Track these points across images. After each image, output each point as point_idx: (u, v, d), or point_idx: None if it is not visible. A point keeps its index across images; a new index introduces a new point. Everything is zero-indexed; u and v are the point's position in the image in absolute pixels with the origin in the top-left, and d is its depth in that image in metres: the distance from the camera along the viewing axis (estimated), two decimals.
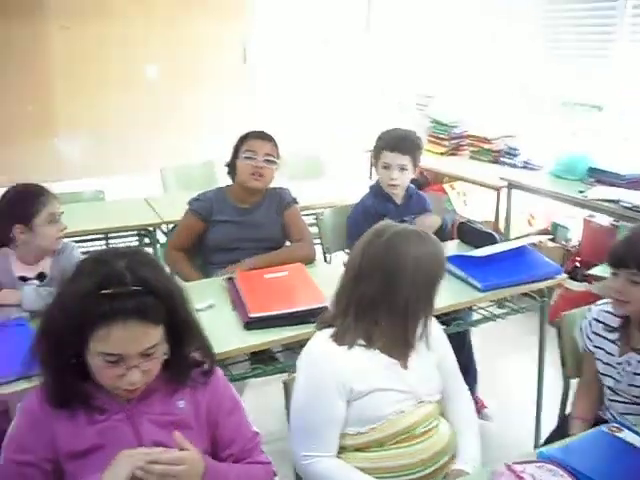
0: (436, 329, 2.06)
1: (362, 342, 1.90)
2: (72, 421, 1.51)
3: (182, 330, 1.54)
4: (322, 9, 6.56)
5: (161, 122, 6.03)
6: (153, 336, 1.47)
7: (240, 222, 3.17)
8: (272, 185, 3.30)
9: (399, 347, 1.94)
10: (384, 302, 1.87)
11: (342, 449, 1.91)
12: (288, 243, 3.29)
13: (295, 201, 3.34)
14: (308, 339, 2.55)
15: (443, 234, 3.26)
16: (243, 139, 3.24)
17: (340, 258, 3.71)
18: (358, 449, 1.90)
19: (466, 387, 2.17)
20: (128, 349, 1.44)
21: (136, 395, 1.54)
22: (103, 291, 1.42)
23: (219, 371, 1.70)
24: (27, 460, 1.48)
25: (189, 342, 1.58)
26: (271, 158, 3.18)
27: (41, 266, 2.73)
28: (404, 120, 6.04)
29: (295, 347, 2.55)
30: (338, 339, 1.90)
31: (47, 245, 2.72)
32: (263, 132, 3.26)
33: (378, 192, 3.32)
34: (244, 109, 6.24)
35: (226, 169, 3.32)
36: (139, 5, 5.84)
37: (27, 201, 2.67)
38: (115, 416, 1.54)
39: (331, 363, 1.87)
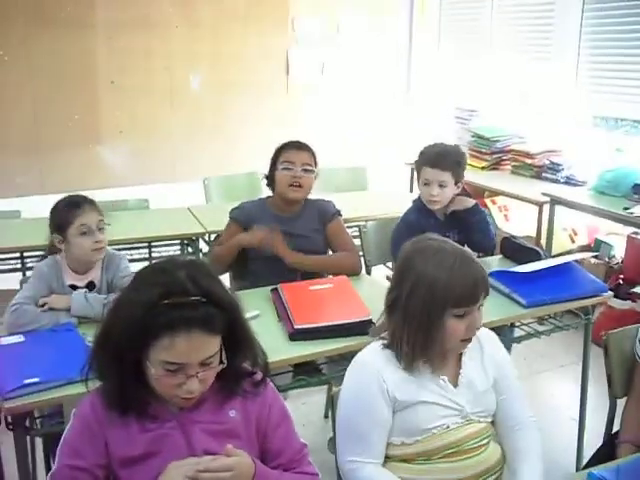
0: (493, 347, 2.04)
1: (409, 353, 1.89)
2: (125, 428, 1.53)
3: (238, 340, 1.57)
4: (363, 21, 6.59)
5: (205, 132, 6.11)
6: (213, 346, 1.50)
7: (282, 231, 3.15)
8: (316, 196, 3.31)
9: (440, 361, 1.93)
10: (409, 316, 1.88)
11: (388, 459, 1.91)
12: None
13: (339, 213, 3.33)
14: (352, 352, 2.57)
15: (477, 223, 3.27)
16: (280, 150, 3.25)
17: (382, 271, 3.73)
18: (404, 460, 1.90)
19: (531, 415, 2.05)
20: (189, 358, 1.47)
21: (190, 404, 1.56)
22: (168, 301, 1.45)
23: (269, 382, 1.71)
24: (80, 465, 1.50)
25: (244, 352, 1.60)
26: (309, 167, 3.18)
27: (90, 275, 2.76)
28: (445, 134, 6.06)
29: (339, 359, 2.58)
30: (388, 348, 1.92)
31: (81, 256, 2.72)
32: (299, 142, 3.26)
33: (420, 207, 3.31)
34: (287, 121, 6.29)
35: (265, 181, 3.33)
36: (184, 17, 5.94)
37: (62, 211, 2.71)
38: (167, 424, 1.56)
39: (378, 371, 1.88)
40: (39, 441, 2.56)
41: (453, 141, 5.76)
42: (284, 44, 6.36)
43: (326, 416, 3.40)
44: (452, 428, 1.89)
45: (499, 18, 6.05)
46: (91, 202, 2.74)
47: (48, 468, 2.60)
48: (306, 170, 3.17)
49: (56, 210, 2.72)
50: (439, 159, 3.22)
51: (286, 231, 3.15)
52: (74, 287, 2.72)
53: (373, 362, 1.92)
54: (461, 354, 1.97)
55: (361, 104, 6.73)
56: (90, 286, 2.75)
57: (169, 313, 1.44)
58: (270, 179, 3.27)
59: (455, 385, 1.94)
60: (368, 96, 6.76)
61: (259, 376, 1.67)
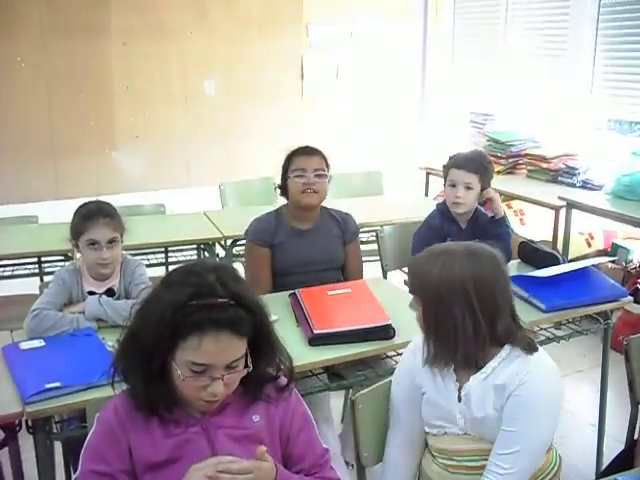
0: (518, 370, 1.84)
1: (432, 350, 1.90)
2: (148, 433, 1.54)
3: (264, 345, 1.57)
4: (377, 26, 6.60)
5: (220, 137, 6.14)
6: (240, 349, 1.50)
7: (299, 244, 3.13)
8: (331, 202, 3.29)
9: (454, 363, 1.92)
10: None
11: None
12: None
13: (358, 233, 3.33)
14: (371, 356, 2.58)
15: (501, 235, 3.25)
16: (290, 157, 3.18)
17: (398, 276, 3.72)
18: (432, 454, 1.96)
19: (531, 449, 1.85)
20: (216, 360, 1.47)
21: (213, 407, 1.55)
22: (197, 302, 1.46)
23: (293, 387, 1.71)
24: (104, 470, 1.50)
25: (269, 357, 1.60)
26: (321, 172, 3.10)
27: (110, 282, 2.76)
28: (461, 138, 6.06)
29: (358, 364, 2.58)
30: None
31: (89, 267, 2.72)
32: (309, 147, 3.19)
33: (444, 212, 3.31)
34: (302, 126, 6.30)
35: (278, 191, 3.27)
36: (199, 22, 5.97)
37: (77, 219, 2.71)
38: (191, 429, 1.56)
39: (415, 350, 1.97)
40: (57, 445, 2.56)
41: (469, 145, 5.77)
42: (299, 49, 6.38)
43: (343, 421, 3.40)
44: (449, 435, 1.91)
45: (514, 22, 6.04)
46: (108, 215, 2.68)
47: (67, 472, 2.62)
48: (319, 175, 3.09)
49: (75, 216, 2.72)
50: (467, 161, 3.25)
51: (306, 244, 3.13)
52: (93, 294, 2.72)
53: (416, 340, 2.01)
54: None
55: (375, 108, 6.73)
56: (109, 293, 2.75)
57: (198, 314, 1.45)
58: (283, 188, 3.20)
59: (459, 399, 1.92)
60: (383, 100, 6.76)
61: (283, 381, 1.67)
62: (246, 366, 1.54)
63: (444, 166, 3.35)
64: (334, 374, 2.61)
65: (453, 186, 3.24)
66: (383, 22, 6.62)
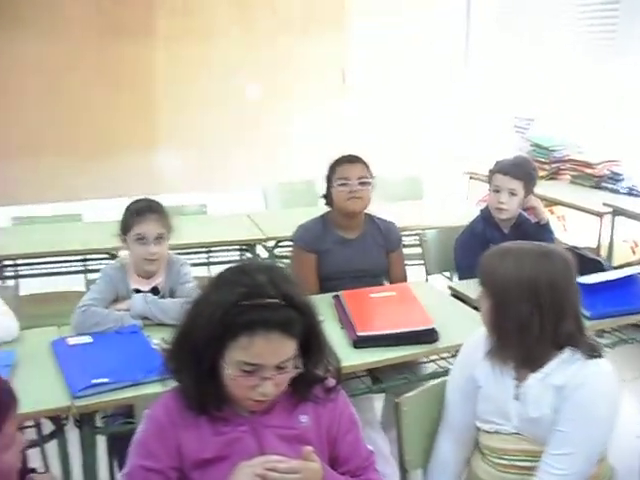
0: (577, 373, 1.83)
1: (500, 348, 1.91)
2: (197, 431, 1.55)
3: (313, 346, 1.57)
4: (420, 29, 6.58)
5: (261, 140, 6.16)
6: (290, 349, 1.51)
7: (344, 252, 3.15)
8: (373, 207, 3.29)
9: (513, 362, 1.91)
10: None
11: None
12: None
13: (401, 241, 3.33)
14: (414, 361, 2.58)
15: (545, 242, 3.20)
16: (333, 167, 3.20)
17: (439, 280, 3.72)
18: (481, 452, 1.96)
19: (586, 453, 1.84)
20: (267, 360, 1.48)
21: (262, 407, 1.56)
22: (248, 302, 1.46)
23: (341, 389, 1.71)
24: (153, 467, 1.52)
25: (318, 358, 1.61)
26: (364, 180, 3.12)
27: (155, 281, 2.79)
28: (504, 143, 6.02)
29: (397, 368, 2.58)
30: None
31: (136, 263, 2.76)
32: (351, 155, 3.21)
33: (487, 217, 3.30)
34: (344, 129, 6.31)
35: (323, 200, 3.29)
36: (240, 26, 6.01)
37: (127, 215, 2.77)
38: (240, 428, 1.57)
39: (477, 342, 1.98)
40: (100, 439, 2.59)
41: (511, 150, 5.73)
42: (340, 53, 6.38)
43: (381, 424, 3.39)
44: (501, 433, 1.90)
45: (559, 24, 5.96)
46: (157, 212, 2.75)
47: (110, 466, 2.65)
48: (362, 183, 3.11)
49: (125, 211, 2.78)
50: (512, 167, 3.26)
51: (350, 253, 3.14)
52: (138, 292, 2.76)
53: (475, 334, 2.03)
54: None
55: (418, 112, 6.70)
56: (154, 291, 2.78)
57: (249, 314, 1.46)
58: (328, 197, 3.22)
59: (516, 397, 1.91)
60: (425, 104, 6.72)
61: (331, 382, 1.66)
62: (296, 367, 1.54)
63: (489, 171, 3.34)
64: (374, 377, 2.61)
65: (497, 191, 3.23)
66: (426, 25, 6.60)
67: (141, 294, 2.71)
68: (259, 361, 1.48)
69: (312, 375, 1.62)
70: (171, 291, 2.81)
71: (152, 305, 2.64)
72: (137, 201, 2.81)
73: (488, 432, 1.94)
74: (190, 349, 1.53)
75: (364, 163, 3.17)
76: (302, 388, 1.61)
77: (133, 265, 2.79)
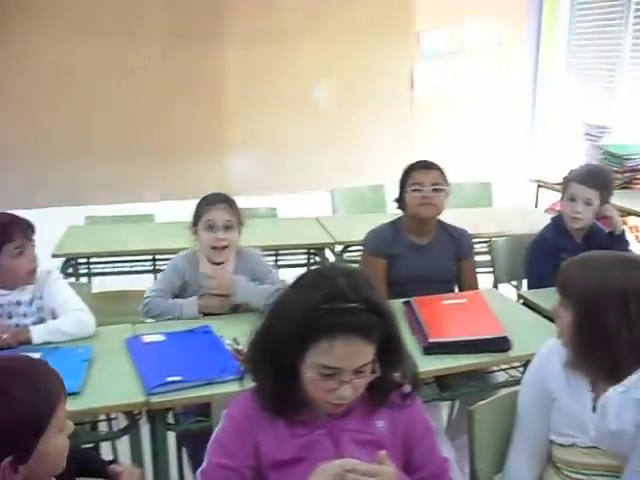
0: None
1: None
2: (275, 432, 1.56)
3: (392, 351, 1.56)
4: (489, 36, 6.52)
5: (329, 144, 6.19)
6: (369, 354, 1.50)
7: (415, 258, 3.13)
8: (444, 215, 3.26)
9: (592, 374, 1.87)
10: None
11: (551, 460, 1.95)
12: None
13: (473, 250, 3.31)
14: (483, 369, 2.55)
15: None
16: (408, 171, 3.18)
17: (507, 289, 3.67)
18: (556, 466, 1.91)
19: None
20: (346, 364, 1.48)
21: (340, 411, 1.57)
22: (329, 305, 1.47)
23: (416, 394, 1.70)
24: (230, 465, 1.54)
25: (396, 363, 1.60)
26: (438, 187, 3.09)
27: (226, 269, 2.85)
28: (574, 150, 5.91)
29: (466, 376, 2.55)
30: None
31: (203, 251, 2.82)
32: (427, 161, 3.19)
33: (559, 226, 3.24)
34: (411, 135, 6.30)
35: (392, 205, 3.29)
36: (309, 27, 6.04)
37: (199, 205, 2.88)
38: (317, 431, 1.57)
39: (548, 354, 1.95)
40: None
41: (582, 158, 5.62)
42: (409, 58, 6.36)
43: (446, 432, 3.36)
44: (578, 446, 1.85)
45: (633, 28, 5.83)
46: (226, 201, 2.84)
47: (179, 462, 2.69)
48: (436, 189, 3.09)
49: (197, 204, 2.88)
50: (590, 177, 3.19)
51: (422, 259, 3.13)
52: None
53: (548, 345, 1.98)
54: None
55: (485, 119, 6.64)
56: None
57: (330, 317, 1.46)
58: (401, 201, 3.21)
59: (593, 409, 1.87)
60: (493, 111, 6.66)
61: (407, 388, 1.66)
62: (374, 371, 1.54)
63: (564, 179, 3.28)
64: (440, 384, 2.59)
65: (572, 200, 3.17)
66: (495, 31, 6.53)
67: (242, 278, 2.78)
68: (338, 365, 1.48)
69: (389, 380, 1.62)
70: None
71: (252, 290, 2.73)
72: (209, 194, 2.92)
73: (564, 445, 1.89)
74: (269, 351, 1.54)
75: (439, 170, 3.15)
76: (379, 393, 1.61)
77: (203, 253, 2.86)
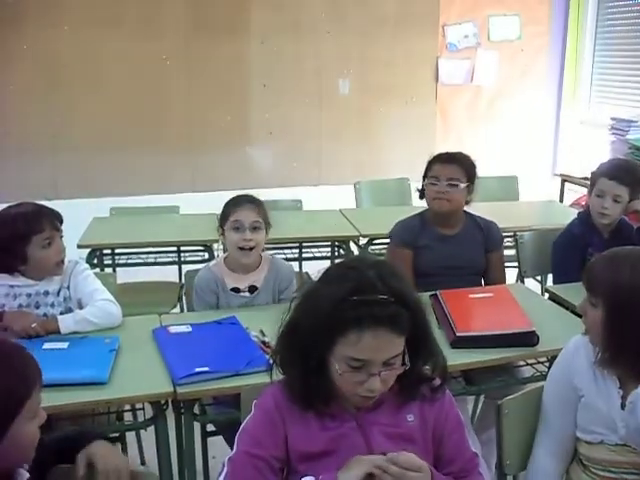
0: None
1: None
2: (304, 424, 1.56)
3: (421, 343, 1.55)
4: (514, 28, 6.47)
5: (352, 136, 6.18)
6: (398, 346, 1.49)
7: (442, 249, 3.12)
8: (469, 209, 3.25)
9: (621, 372, 1.85)
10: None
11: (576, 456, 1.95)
12: None
13: (502, 241, 3.28)
14: (509, 363, 2.53)
15: None
16: (430, 163, 3.16)
17: (532, 284, 3.64)
18: (582, 462, 1.89)
19: None
20: (375, 356, 1.47)
21: (369, 404, 1.56)
22: (358, 297, 1.46)
23: (446, 388, 1.70)
24: (258, 454, 1.54)
25: (425, 356, 1.59)
26: (454, 182, 3.05)
27: (252, 278, 2.83)
28: (598, 145, 5.86)
29: (491, 371, 2.54)
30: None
31: (231, 254, 2.80)
32: (449, 154, 3.15)
33: (586, 221, 3.20)
34: (435, 128, 6.28)
35: (417, 194, 3.26)
36: (333, 21, 6.02)
37: (225, 206, 2.83)
38: (347, 424, 1.57)
39: (573, 351, 1.93)
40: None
41: (607, 153, 5.57)
42: (434, 50, 6.32)
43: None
44: (606, 444, 1.83)
45: None
46: (254, 202, 2.80)
47: (204, 453, 2.70)
48: (451, 185, 3.05)
49: (224, 205, 2.84)
50: (619, 172, 3.13)
51: (449, 249, 3.12)
52: (237, 290, 2.81)
53: (574, 341, 1.96)
54: None
55: (510, 112, 6.59)
56: (252, 289, 2.82)
57: (358, 309, 1.45)
58: (422, 192, 3.20)
59: (622, 406, 1.85)
60: (518, 104, 6.61)
61: (437, 381, 1.65)
62: (403, 364, 1.53)
63: (592, 173, 3.23)
64: (466, 378, 2.58)
65: (600, 196, 3.12)
66: (520, 23, 6.48)
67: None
68: (367, 357, 1.47)
69: (419, 373, 1.61)
70: (273, 292, 2.84)
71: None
72: (237, 195, 2.87)
73: (591, 443, 1.87)
74: (297, 344, 1.54)
75: (460, 164, 3.10)
76: (409, 386, 1.60)
77: (229, 259, 2.84)
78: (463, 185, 3.07)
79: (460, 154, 3.15)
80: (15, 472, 1.43)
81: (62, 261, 2.59)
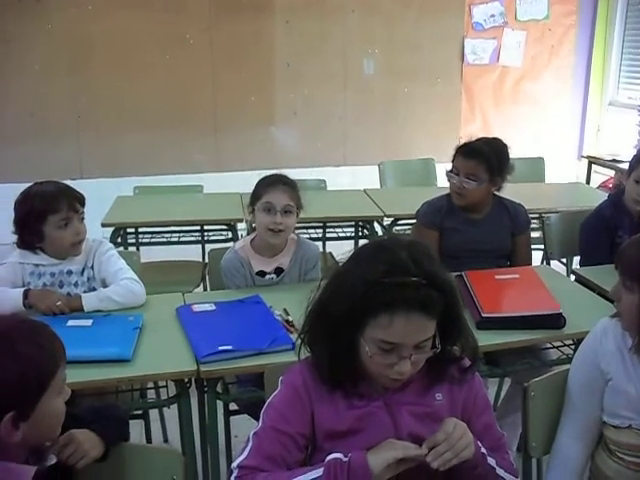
0: None
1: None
2: (332, 403, 1.55)
3: (452, 325, 1.53)
4: (541, 8, 6.37)
5: (377, 117, 6.16)
6: (429, 329, 1.47)
7: (469, 231, 3.08)
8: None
9: None
10: None
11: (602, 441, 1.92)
12: None
13: (529, 225, 3.24)
14: (535, 346, 2.50)
15: None
16: (455, 152, 3.10)
17: (557, 266, 3.60)
18: (609, 449, 1.86)
19: None
20: (406, 339, 1.45)
21: (398, 385, 1.54)
22: (390, 279, 1.43)
23: (476, 369, 1.67)
24: (285, 429, 1.53)
25: (455, 338, 1.57)
26: (470, 178, 2.99)
27: (279, 261, 2.80)
28: (627, 127, 5.78)
29: (516, 353, 2.51)
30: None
31: (260, 235, 2.75)
32: (471, 148, 3.05)
33: (617, 202, 3.13)
34: (461, 109, 6.22)
35: (442, 174, 3.24)
36: (360, 1, 5.98)
37: (258, 185, 2.76)
38: (374, 403, 1.55)
39: (601, 334, 1.90)
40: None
41: (636, 136, 5.49)
42: (460, 30, 6.25)
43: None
44: (635, 429, 1.80)
45: None
46: (288, 184, 2.74)
47: (226, 432, 2.70)
48: (469, 180, 3.00)
49: (257, 183, 2.78)
50: None
51: (475, 232, 3.08)
52: (262, 273, 2.78)
53: (602, 324, 1.92)
54: None
55: (537, 93, 6.52)
56: (278, 272, 2.79)
57: (390, 292, 1.42)
58: None
59: None
60: (544, 85, 6.53)
61: (467, 362, 1.63)
62: (434, 346, 1.51)
63: (634, 157, 3.13)
64: (489, 360, 2.56)
65: (639, 182, 3.04)
66: (547, 1, 6.38)
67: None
68: (398, 340, 1.45)
69: (449, 354, 1.59)
70: (299, 273, 2.82)
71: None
72: (270, 175, 2.81)
73: (619, 427, 1.84)
74: (327, 323, 1.51)
75: (483, 159, 3.01)
76: (438, 367, 1.58)
77: (256, 241, 2.80)
78: (483, 181, 3.01)
79: (485, 146, 3.06)
80: (47, 453, 1.46)
81: (80, 242, 2.57)
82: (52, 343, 1.40)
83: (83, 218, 2.57)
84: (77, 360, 2.02)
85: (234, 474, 1.51)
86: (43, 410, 1.36)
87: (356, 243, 4.17)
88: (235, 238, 3.77)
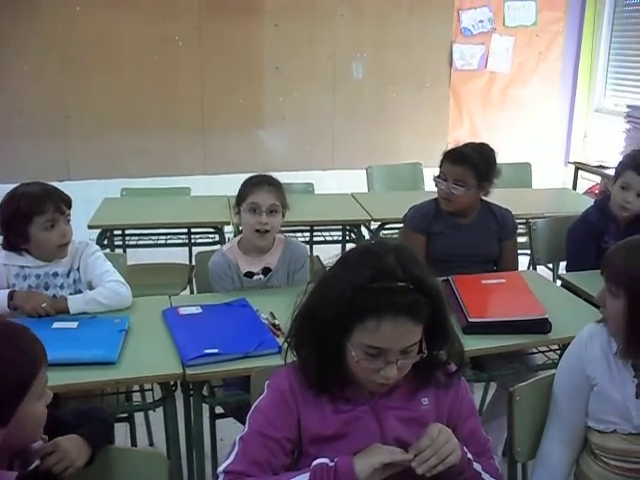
0: None
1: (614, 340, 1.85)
2: (318, 407, 1.54)
3: (439, 330, 1.53)
4: (529, 14, 6.40)
5: (365, 120, 6.15)
6: (416, 334, 1.47)
7: (456, 236, 3.08)
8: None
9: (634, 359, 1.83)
10: None
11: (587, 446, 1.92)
12: None
13: (516, 230, 3.24)
14: (521, 351, 2.51)
15: None
16: (443, 157, 3.09)
17: (543, 271, 3.62)
18: (593, 453, 1.87)
19: None
20: (392, 345, 1.45)
21: (384, 390, 1.54)
22: (378, 284, 1.43)
23: (462, 374, 1.67)
24: (270, 434, 1.52)
25: (442, 342, 1.57)
26: (458, 184, 2.98)
27: (266, 260, 2.80)
28: (613, 133, 5.81)
29: (502, 358, 2.52)
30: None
31: (246, 236, 2.76)
32: (459, 154, 3.04)
33: (603, 208, 3.15)
34: (449, 113, 6.23)
35: (429, 179, 3.24)
36: (349, 5, 5.98)
37: (243, 185, 2.77)
38: (360, 407, 1.55)
39: (586, 340, 1.90)
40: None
41: (623, 142, 5.52)
42: (448, 36, 6.27)
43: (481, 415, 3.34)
44: (619, 433, 1.81)
45: None
46: (273, 183, 2.75)
47: (212, 435, 2.69)
48: (457, 186, 2.99)
49: (242, 184, 2.78)
50: None
51: (462, 237, 3.08)
52: (250, 274, 2.78)
53: (587, 330, 1.93)
54: None
55: (524, 98, 6.54)
56: (265, 271, 2.79)
57: (378, 297, 1.42)
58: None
59: (638, 394, 1.84)
60: (532, 90, 6.55)
61: (453, 367, 1.63)
62: (420, 351, 1.51)
63: (620, 163, 3.14)
64: (475, 365, 2.56)
65: (625, 189, 3.04)
66: (536, 10, 6.40)
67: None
68: (385, 345, 1.45)
69: (436, 359, 1.59)
70: (287, 273, 2.81)
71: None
72: (255, 175, 2.82)
73: (604, 432, 1.85)
74: (314, 328, 1.51)
75: (471, 165, 2.99)
76: (424, 372, 1.58)
77: (243, 242, 2.80)
78: (471, 186, 3.01)
79: (473, 152, 3.04)
80: (31, 459, 1.46)
81: (66, 244, 2.55)
82: (33, 346, 1.38)
83: (69, 220, 2.55)
84: (62, 362, 2.02)
85: (220, 479, 1.50)
86: (24, 414, 1.34)
87: (343, 247, 4.17)
88: (222, 241, 3.77)
